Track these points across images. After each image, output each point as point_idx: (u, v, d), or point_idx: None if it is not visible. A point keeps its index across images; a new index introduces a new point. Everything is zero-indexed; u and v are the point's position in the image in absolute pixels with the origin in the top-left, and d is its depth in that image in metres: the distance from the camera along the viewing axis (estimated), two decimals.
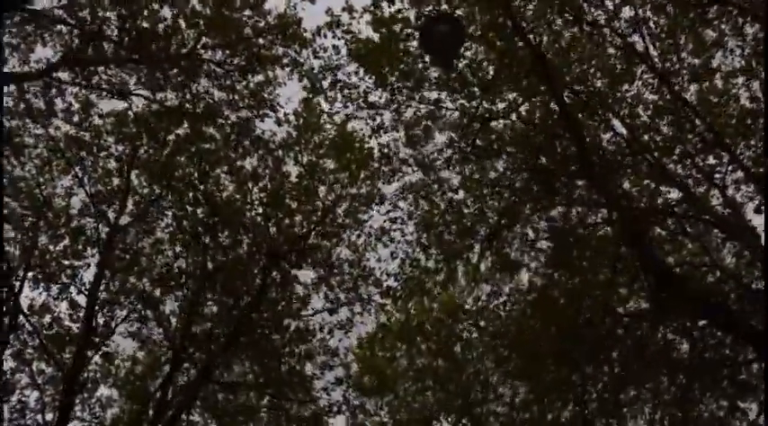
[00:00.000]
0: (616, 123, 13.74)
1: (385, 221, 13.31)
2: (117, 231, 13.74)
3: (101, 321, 13.59)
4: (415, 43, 11.48)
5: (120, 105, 13.55)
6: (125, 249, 14.20)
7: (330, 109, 12.04)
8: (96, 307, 13.30)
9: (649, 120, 13.96)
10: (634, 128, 13.59)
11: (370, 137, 12.24)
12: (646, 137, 13.82)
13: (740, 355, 13.82)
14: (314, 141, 14.23)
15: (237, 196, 14.23)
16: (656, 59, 13.19)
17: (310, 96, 12.00)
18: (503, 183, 13.38)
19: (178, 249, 14.36)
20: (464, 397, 18.95)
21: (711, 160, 13.64)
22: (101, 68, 12.18)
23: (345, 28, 11.63)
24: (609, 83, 13.66)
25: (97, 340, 13.47)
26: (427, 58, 11.16)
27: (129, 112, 13.63)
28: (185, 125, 13.63)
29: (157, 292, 14.54)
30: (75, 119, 13.93)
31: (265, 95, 13.62)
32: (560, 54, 13.02)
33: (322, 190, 14.38)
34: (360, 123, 12.24)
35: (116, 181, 14.29)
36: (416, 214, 13.28)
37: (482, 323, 15.87)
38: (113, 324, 13.86)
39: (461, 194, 13.23)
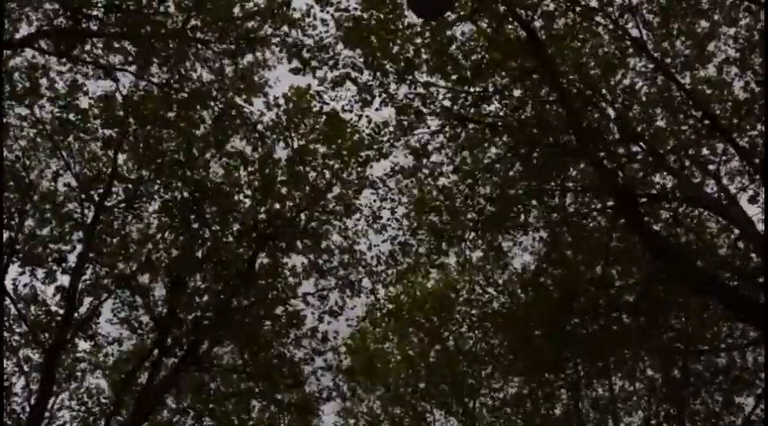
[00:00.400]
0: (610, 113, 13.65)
1: (375, 200, 13.14)
2: (103, 211, 13.55)
3: (86, 302, 13.43)
4: (406, 22, 11.37)
5: (107, 86, 13.42)
6: (111, 232, 14.03)
7: (319, 85, 11.85)
8: (80, 287, 13.11)
9: (642, 110, 13.87)
10: (628, 117, 13.45)
11: (359, 117, 12.03)
12: (639, 129, 13.69)
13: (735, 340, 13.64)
14: (304, 125, 14.05)
15: (226, 180, 14.04)
16: (651, 46, 13.08)
17: (299, 69, 11.71)
18: (495, 169, 13.24)
19: (165, 233, 14.18)
20: (457, 391, 18.78)
21: (705, 151, 13.58)
22: (87, 47, 12.05)
23: (335, 6, 11.46)
24: (603, 70, 13.53)
25: (81, 321, 13.28)
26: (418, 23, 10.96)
27: (117, 95, 13.50)
28: (174, 108, 13.48)
29: (145, 277, 14.38)
30: (62, 102, 13.80)
31: (255, 79, 13.53)
32: (555, 38, 12.88)
33: (312, 175, 14.19)
34: (350, 100, 11.98)
35: (103, 164, 14.11)
36: (406, 197, 13.13)
37: (474, 312, 15.71)
38: (98, 303, 13.67)
39: (453, 178, 13.05)
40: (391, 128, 12.15)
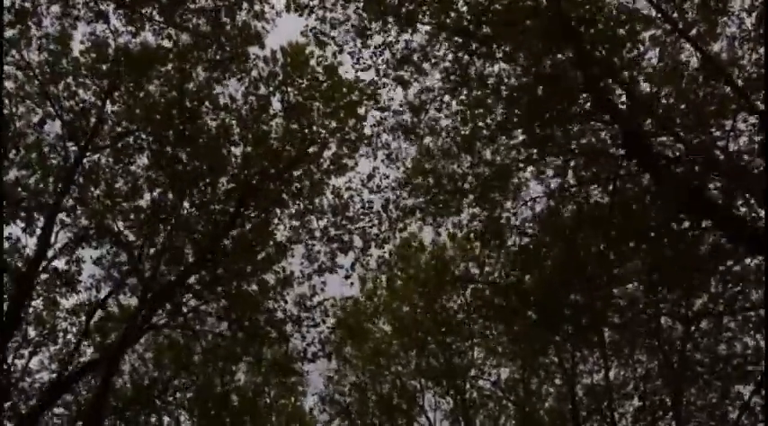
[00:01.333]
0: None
1: (370, 154, 12.63)
2: (88, 152, 13.11)
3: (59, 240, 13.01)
4: None
5: (99, 30, 13.01)
6: (96, 181, 13.57)
7: (316, 21, 11.30)
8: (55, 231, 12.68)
9: (653, 81, 13.46)
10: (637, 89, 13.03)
11: (357, 61, 11.48)
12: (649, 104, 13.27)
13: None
14: (300, 79, 13.58)
15: (218, 131, 13.56)
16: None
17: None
18: (495, 135, 12.77)
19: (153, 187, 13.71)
20: (449, 369, 18.31)
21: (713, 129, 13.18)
22: None
23: None
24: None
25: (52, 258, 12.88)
26: None
27: (110, 41, 13.10)
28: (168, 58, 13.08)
29: (131, 235, 13.94)
30: (52, 47, 13.40)
31: (252, 32, 13.11)
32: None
33: (307, 131, 13.70)
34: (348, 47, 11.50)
35: (92, 113, 13.66)
36: (405, 147, 12.67)
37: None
38: (69, 243, 13.22)
39: (452, 136, 12.58)
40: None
